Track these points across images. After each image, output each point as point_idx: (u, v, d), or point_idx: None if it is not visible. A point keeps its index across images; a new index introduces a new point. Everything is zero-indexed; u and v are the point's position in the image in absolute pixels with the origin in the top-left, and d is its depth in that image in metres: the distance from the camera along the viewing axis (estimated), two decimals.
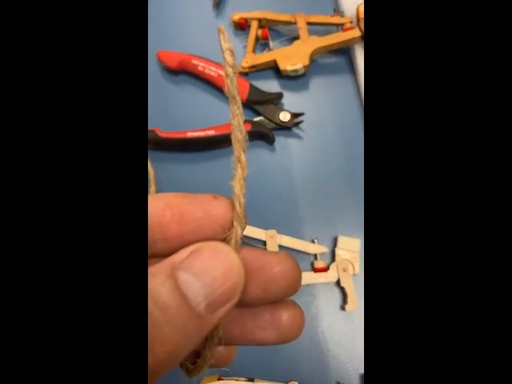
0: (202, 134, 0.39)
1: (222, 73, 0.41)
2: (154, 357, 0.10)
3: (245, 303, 0.13)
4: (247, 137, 0.13)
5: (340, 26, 0.42)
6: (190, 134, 0.39)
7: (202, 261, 0.11)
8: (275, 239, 0.36)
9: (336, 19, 0.41)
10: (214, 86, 0.42)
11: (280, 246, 0.36)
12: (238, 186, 0.13)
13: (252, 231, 0.37)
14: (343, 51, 0.43)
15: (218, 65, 0.41)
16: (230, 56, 0.13)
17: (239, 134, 0.13)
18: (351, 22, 0.41)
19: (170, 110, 0.42)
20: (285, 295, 0.13)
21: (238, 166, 0.13)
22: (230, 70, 0.13)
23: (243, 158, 0.13)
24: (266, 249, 0.36)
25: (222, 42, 0.13)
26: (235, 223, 0.13)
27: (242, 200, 0.13)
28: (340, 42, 0.40)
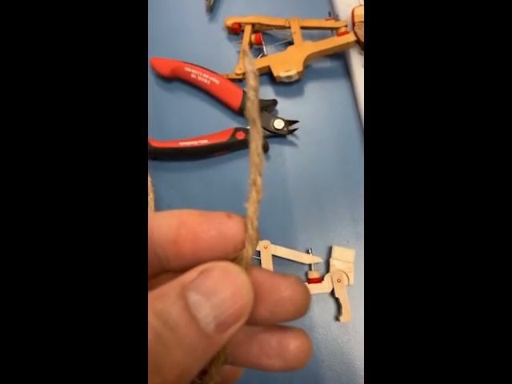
0: (194, 143, 0.38)
1: (214, 80, 0.40)
2: (163, 379, 0.10)
3: (251, 323, 0.13)
4: (264, 160, 0.13)
5: (335, 30, 0.41)
6: (182, 144, 0.38)
7: (211, 281, 0.11)
8: (269, 250, 0.36)
9: (330, 23, 0.41)
10: (207, 93, 0.42)
11: (274, 256, 0.36)
12: (251, 209, 0.13)
13: None
14: (338, 56, 0.42)
15: (210, 72, 0.41)
16: (253, 79, 0.12)
17: (256, 158, 0.13)
18: (346, 26, 0.40)
19: (163, 117, 0.42)
20: (292, 319, 0.13)
21: (254, 189, 0.13)
22: (252, 93, 0.12)
23: (259, 181, 0.13)
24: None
25: (247, 65, 0.12)
26: (247, 244, 0.13)
27: (255, 222, 0.13)
28: (335, 47, 0.39)
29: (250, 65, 0.12)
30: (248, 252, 0.13)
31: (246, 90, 0.13)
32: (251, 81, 0.12)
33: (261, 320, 0.13)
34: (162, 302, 0.11)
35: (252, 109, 0.13)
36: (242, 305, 0.11)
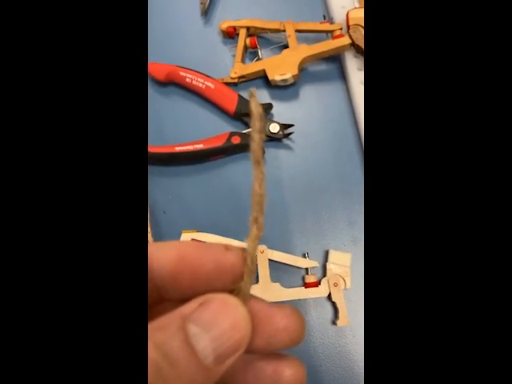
0: (190, 147, 0.38)
1: (209, 84, 0.40)
2: None
3: (247, 351, 0.13)
4: (265, 199, 0.13)
5: (330, 33, 0.41)
6: (178, 149, 0.38)
7: (211, 313, 0.11)
8: (266, 254, 0.36)
9: (325, 26, 0.41)
10: (202, 98, 0.41)
11: (270, 261, 0.36)
12: (251, 245, 0.13)
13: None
14: (334, 59, 0.42)
15: (205, 76, 0.40)
16: (258, 121, 0.13)
17: (258, 198, 0.13)
18: (341, 29, 0.40)
19: (159, 121, 0.42)
20: (287, 348, 0.13)
21: (255, 226, 0.13)
22: (257, 135, 0.13)
23: (261, 219, 0.13)
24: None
25: (253, 107, 0.13)
26: (245, 277, 0.13)
27: (255, 257, 0.13)
28: (330, 50, 0.39)
29: (256, 107, 0.13)
30: (246, 284, 0.13)
31: (252, 134, 0.13)
32: (256, 123, 0.13)
33: (257, 349, 0.13)
34: (162, 333, 0.11)
35: (256, 150, 0.13)
36: (240, 337, 0.11)
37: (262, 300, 0.14)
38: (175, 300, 0.13)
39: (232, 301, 0.12)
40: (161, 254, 0.13)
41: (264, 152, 0.39)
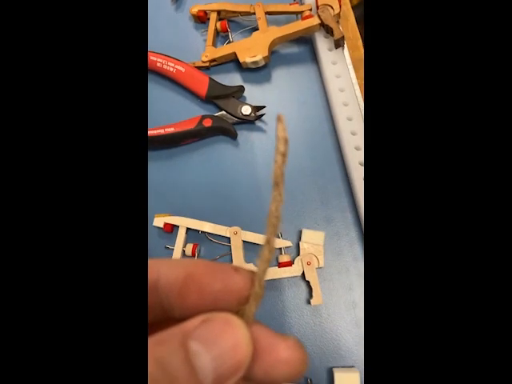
0: (161, 131, 0.38)
1: (180, 68, 0.40)
2: None
3: (245, 379, 0.12)
4: (280, 221, 0.13)
5: (299, 15, 0.41)
6: (149, 133, 0.38)
7: (213, 331, 0.11)
8: (239, 235, 0.36)
9: (295, 7, 0.40)
10: (174, 82, 0.41)
11: (244, 242, 0.36)
12: (262, 267, 0.13)
13: (215, 228, 0.36)
14: (305, 40, 0.42)
15: (176, 60, 0.40)
16: (283, 145, 0.13)
17: (274, 220, 0.13)
18: (310, 10, 0.40)
19: None
20: (285, 382, 0.13)
21: (267, 247, 0.13)
22: (280, 158, 0.13)
23: (273, 242, 0.13)
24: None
25: (279, 131, 0.13)
26: (251, 300, 0.13)
27: (263, 280, 0.13)
28: (299, 31, 0.39)
29: (283, 131, 0.13)
30: (251, 308, 0.13)
31: (274, 153, 0.13)
32: (281, 146, 0.13)
33: (254, 379, 0.13)
34: (162, 348, 0.11)
35: (277, 172, 0.13)
36: (240, 358, 0.11)
37: (266, 327, 0.13)
38: (179, 319, 0.12)
39: (235, 321, 0.12)
40: (169, 271, 0.13)
41: (236, 131, 0.39)
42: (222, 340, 0.11)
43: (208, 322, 0.11)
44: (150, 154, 0.39)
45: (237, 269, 0.13)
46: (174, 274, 0.13)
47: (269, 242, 0.13)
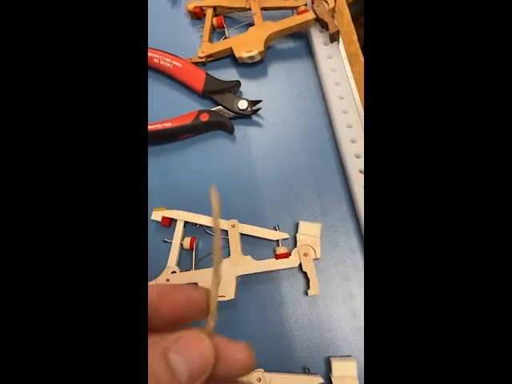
0: (158, 126, 0.38)
1: (177, 64, 0.40)
2: None
3: (214, 379, 0.16)
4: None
5: (295, 10, 0.41)
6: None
7: (185, 344, 0.15)
8: (237, 228, 0.36)
9: (290, 3, 0.41)
10: (171, 77, 0.42)
11: (242, 235, 0.36)
12: (214, 292, 0.17)
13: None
14: (300, 35, 0.43)
15: (173, 56, 0.41)
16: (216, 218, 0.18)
17: (218, 258, 0.17)
18: (305, 5, 0.40)
19: None
20: (242, 375, 0.17)
21: (215, 276, 0.17)
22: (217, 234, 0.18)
23: (219, 270, 0.17)
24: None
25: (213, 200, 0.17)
26: (209, 318, 0.17)
27: (216, 301, 0.17)
28: (295, 26, 0.40)
29: (215, 201, 0.18)
30: (210, 324, 0.17)
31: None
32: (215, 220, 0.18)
33: (219, 376, 0.16)
34: (150, 361, 0.15)
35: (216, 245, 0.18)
36: (206, 360, 0.15)
37: (223, 336, 0.17)
38: (156, 330, 0.16)
39: (200, 336, 0.16)
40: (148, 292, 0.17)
41: (233, 125, 0.39)
42: (192, 350, 0.15)
43: (181, 338, 0.15)
44: (148, 148, 0.40)
45: (196, 288, 0.18)
46: (151, 294, 0.17)
47: (216, 272, 0.17)
